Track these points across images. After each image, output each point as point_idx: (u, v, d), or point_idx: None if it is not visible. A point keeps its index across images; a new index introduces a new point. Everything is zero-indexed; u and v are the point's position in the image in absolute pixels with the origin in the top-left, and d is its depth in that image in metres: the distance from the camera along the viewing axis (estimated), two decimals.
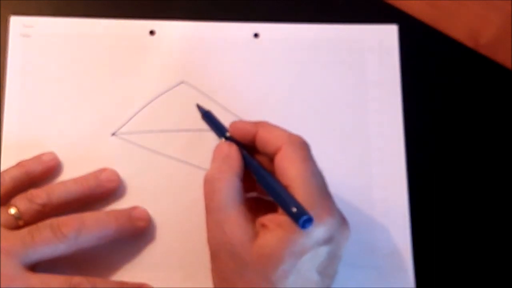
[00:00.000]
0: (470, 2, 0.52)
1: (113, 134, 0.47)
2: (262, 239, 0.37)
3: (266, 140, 0.39)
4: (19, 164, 0.45)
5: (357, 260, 0.46)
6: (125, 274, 0.44)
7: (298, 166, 0.38)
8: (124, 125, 0.47)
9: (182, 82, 0.48)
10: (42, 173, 0.45)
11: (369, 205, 0.47)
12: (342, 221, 0.39)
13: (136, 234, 0.45)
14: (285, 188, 0.37)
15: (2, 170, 0.44)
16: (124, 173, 0.46)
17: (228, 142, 0.41)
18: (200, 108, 0.44)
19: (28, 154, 0.46)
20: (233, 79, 0.49)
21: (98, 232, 0.42)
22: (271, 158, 0.39)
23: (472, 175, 0.48)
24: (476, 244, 0.47)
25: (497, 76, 0.50)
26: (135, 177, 0.46)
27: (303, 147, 0.39)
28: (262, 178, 0.39)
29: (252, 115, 0.48)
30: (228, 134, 0.42)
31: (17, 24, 0.49)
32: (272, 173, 0.39)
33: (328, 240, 0.37)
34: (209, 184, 0.39)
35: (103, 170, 0.45)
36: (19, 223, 0.41)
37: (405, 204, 0.47)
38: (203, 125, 0.44)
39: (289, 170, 0.38)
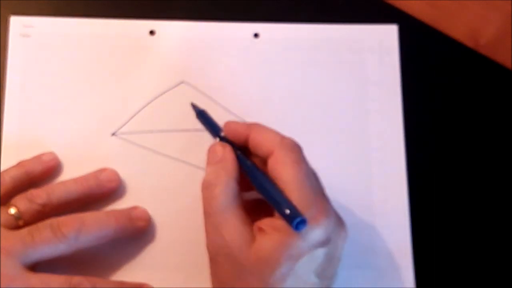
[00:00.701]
0: (470, 2, 0.52)
1: (113, 134, 0.47)
2: (259, 243, 0.37)
3: (258, 143, 0.39)
4: (19, 164, 0.45)
5: (357, 261, 0.46)
6: (125, 274, 0.44)
7: (291, 170, 0.38)
8: (124, 125, 0.47)
9: (182, 82, 0.48)
10: (42, 173, 0.45)
11: (369, 205, 0.47)
12: (339, 222, 0.39)
13: (136, 234, 0.45)
14: (278, 190, 0.37)
15: (2, 170, 0.44)
16: (124, 173, 0.46)
17: (222, 143, 0.41)
18: (194, 107, 0.44)
19: (28, 154, 0.46)
20: (233, 79, 0.49)
21: (98, 232, 0.42)
22: (264, 160, 0.39)
23: (472, 175, 0.48)
24: (476, 244, 0.47)
25: (497, 76, 0.50)
26: (135, 177, 0.46)
27: (295, 150, 0.39)
28: (256, 180, 0.39)
29: (252, 115, 0.48)
30: (222, 134, 0.42)
31: (17, 24, 0.49)
32: (266, 174, 0.39)
33: (325, 242, 0.37)
34: (206, 190, 0.39)
35: (103, 170, 0.45)
36: (19, 223, 0.41)
37: (405, 204, 0.47)
38: None
39: (282, 173, 0.38)
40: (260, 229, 0.37)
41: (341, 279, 0.45)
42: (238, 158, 0.40)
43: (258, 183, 0.39)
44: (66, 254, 0.41)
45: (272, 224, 0.37)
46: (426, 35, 0.51)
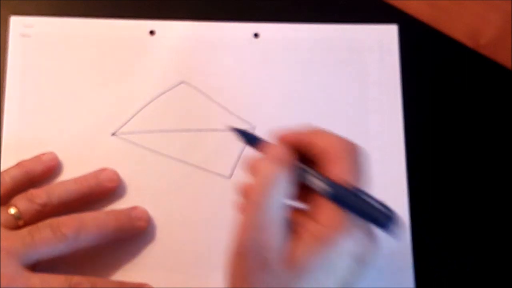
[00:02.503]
0: (470, 2, 0.52)
1: (113, 134, 0.47)
2: (294, 248, 0.35)
3: (321, 149, 0.37)
4: (19, 164, 0.45)
5: None
6: (125, 274, 0.44)
7: (355, 177, 0.36)
8: (124, 125, 0.47)
9: (182, 82, 0.48)
10: (42, 173, 0.45)
11: None
12: (370, 236, 0.37)
13: (136, 234, 0.45)
14: (360, 191, 0.35)
15: (2, 170, 0.44)
16: (124, 173, 0.46)
17: (283, 146, 0.37)
18: (240, 131, 0.40)
19: (28, 154, 0.46)
20: (233, 79, 0.49)
21: (97, 232, 0.42)
22: (320, 166, 0.37)
23: (472, 175, 0.48)
24: (476, 244, 0.47)
25: (497, 76, 0.50)
26: (135, 177, 0.46)
27: (358, 153, 0.37)
28: (315, 182, 0.36)
29: (252, 115, 0.48)
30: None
31: (17, 24, 0.49)
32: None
33: (355, 255, 0.35)
34: (265, 184, 0.36)
35: (103, 170, 0.45)
36: (19, 223, 0.41)
37: (405, 204, 0.47)
38: (203, 125, 0.44)
39: (348, 177, 0.36)
40: (296, 232, 0.35)
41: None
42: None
43: (328, 187, 0.36)
44: (66, 254, 0.41)
45: (311, 229, 0.35)
46: (426, 35, 0.51)
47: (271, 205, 0.35)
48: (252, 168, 0.37)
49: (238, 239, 0.36)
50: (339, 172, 0.36)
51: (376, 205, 0.35)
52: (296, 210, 0.37)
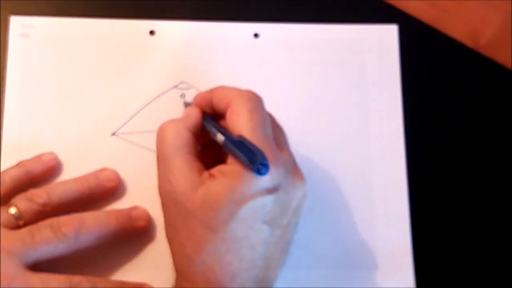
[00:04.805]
0: (470, 2, 0.52)
1: (113, 134, 0.47)
2: (206, 187, 0.37)
3: (219, 100, 0.40)
4: (19, 164, 0.45)
5: (357, 260, 0.46)
6: (125, 274, 0.44)
7: (244, 118, 0.38)
8: (124, 125, 0.47)
9: (182, 82, 0.48)
10: (42, 173, 0.45)
11: (369, 205, 0.47)
12: (294, 172, 0.39)
13: (136, 234, 0.45)
14: (239, 140, 0.38)
15: (2, 170, 0.44)
16: (124, 173, 0.46)
17: (192, 106, 0.42)
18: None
19: (28, 154, 0.46)
20: (233, 79, 0.49)
21: (98, 232, 0.42)
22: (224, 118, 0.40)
23: (472, 175, 0.48)
24: (476, 243, 0.47)
25: (497, 76, 0.50)
26: (135, 177, 0.46)
27: (252, 99, 0.40)
28: (214, 133, 0.40)
29: None
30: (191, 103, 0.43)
31: (17, 24, 0.49)
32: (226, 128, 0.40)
33: (273, 190, 0.37)
34: (158, 136, 0.40)
35: (103, 170, 0.45)
36: (19, 223, 0.41)
37: (405, 204, 0.47)
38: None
39: (235, 123, 0.38)
40: (211, 175, 0.38)
41: (341, 279, 0.45)
42: (204, 118, 0.41)
43: (217, 134, 0.39)
44: (66, 254, 0.41)
45: (221, 170, 0.38)
46: (426, 35, 0.51)
47: (173, 154, 0.39)
48: (159, 129, 0.40)
49: (158, 190, 0.40)
50: (233, 120, 0.39)
51: (255, 150, 0.37)
52: (217, 160, 0.40)
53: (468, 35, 0.51)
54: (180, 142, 0.39)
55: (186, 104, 0.45)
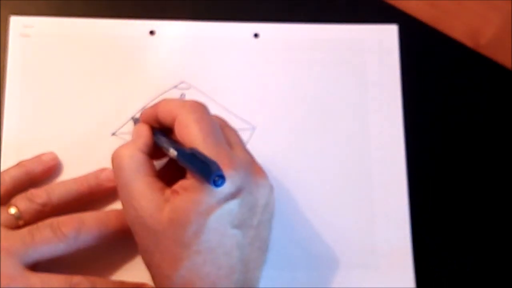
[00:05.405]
0: (470, 2, 0.52)
1: (113, 134, 0.47)
2: (170, 205, 0.37)
3: (164, 114, 0.40)
4: (19, 164, 0.45)
5: (357, 260, 0.46)
6: (125, 274, 0.44)
7: (192, 130, 0.38)
8: (124, 125, 0.47)
9: (182, 82, 0.48)
10: (42, 173, 0.45)
11: (369, 205, 0.47)
12: (254, 171, 0.39)
13: None
14: (191, 152, 0.37)
15: (2, 170, 0.44)
16: None
17: (140, 124, 0.42)
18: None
19: (28, 154, 0.46)
20: (233, 79, 0.49)
21: (98, 232, 0.42)
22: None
23: (472, 175, 0.48)
24: (477, 243, 0.47)
25: (497, 76, 0.50)
26: None
27: (196, 109, 0.39)
28: (167, 148, 0.39)
29: (251, 115, 0.48)
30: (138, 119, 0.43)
31: (17, 24, 0.49)
32: (177, 142, 0.39)
33: (236, 193, 0.37)
34: (113, 163, 0.40)
35: (103, 170, 0.45)
36: (19, 222, 0.41)
37: (405, 204, 0.47)
38: None
39: (185, 135, 0.38)
40: (173, 191, 0.38)
41: (341, 279, 0.45)
42: (155, 134, 0.41)
43: (169, 150, 0.39)
44: (66, 254, 0.41)
45: (183, 185, 0.37)
46: (426, 35, 0.51)
47: (132, 180, 0.39)
48: (112, 156, 0.40)
49: (126, 218, 0.40)
50: (182, 132, 0.38)
51: (208, 162, 0.36)
52: (181, 171, 0.40)
53: (468, 35, 0.51)
54: (135, 166, 0.39)
55: (135, 121, 0.46)
